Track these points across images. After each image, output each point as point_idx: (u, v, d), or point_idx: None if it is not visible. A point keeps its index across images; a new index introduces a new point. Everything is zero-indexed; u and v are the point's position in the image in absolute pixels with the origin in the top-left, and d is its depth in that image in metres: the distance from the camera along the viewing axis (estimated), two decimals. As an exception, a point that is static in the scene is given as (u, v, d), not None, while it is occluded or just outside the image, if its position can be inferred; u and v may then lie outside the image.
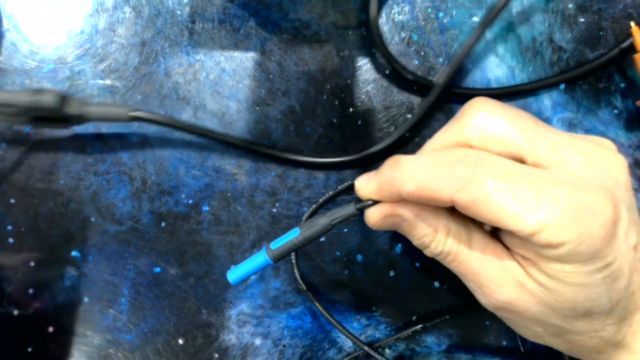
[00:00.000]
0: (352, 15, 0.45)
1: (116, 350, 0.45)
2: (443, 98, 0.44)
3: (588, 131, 0.45)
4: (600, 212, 0.29)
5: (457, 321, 0.46)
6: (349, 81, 0.45)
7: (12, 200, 0.44)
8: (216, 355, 0.45)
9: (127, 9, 0.44)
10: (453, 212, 0.33)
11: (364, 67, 0.45)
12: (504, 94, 0.44)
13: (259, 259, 0.36)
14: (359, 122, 0.45)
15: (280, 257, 0.36)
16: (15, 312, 0.44)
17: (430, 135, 0.44)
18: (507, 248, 0.33)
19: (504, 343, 0.46)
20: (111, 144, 0.44)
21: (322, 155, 0.44)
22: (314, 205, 0.43)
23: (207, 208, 0.45)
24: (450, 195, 0.30)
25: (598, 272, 0.30)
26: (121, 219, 0.44)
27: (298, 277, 0.44)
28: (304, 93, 0.45)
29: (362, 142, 0.44)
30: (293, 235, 0.36)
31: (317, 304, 0.44)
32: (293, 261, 0.44)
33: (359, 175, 0.35)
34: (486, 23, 0.42)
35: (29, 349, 0.44)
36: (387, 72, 0.45)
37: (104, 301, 0.45)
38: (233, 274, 0.37)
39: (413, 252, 0.45)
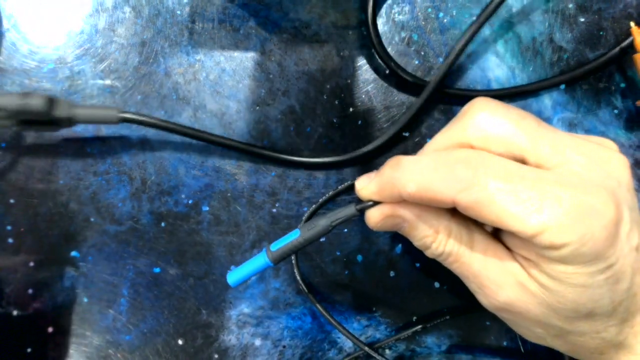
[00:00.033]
0: (352, 15, 0.45)
1: (115, 350, 0.45)
2: (439, 97, 0.44)
3: (588, 131, 0.45)
4: (603, 213, 0.29)
5: (458, 322, 0.46)
6: (349, 81, 0.45)
7: (12, 201, 0.44)
8: (216, 356, 0.45)
9: (127, 9, 0.44)
10: (454, 213, 0.33)
11: (364, 66, 0.45)
12: (504, 95, 0.44)
13: (259, 260, 0.36)
14: (359, 122, 0.45)
15: (281, 259, 0.36)
16: (15, 313, 0.44)
17: (430, 135, 0.44)
18: (509, 249, 0.33)
19: (505, 343, 0.46)
20: (111, 144, 0.44)
21: (321, 156, 0.44)
22: (314, 206, 0.43)
23: (207, 208, 0.45)
24: (451, 196, 0.30)
25: (600, 273, 0.30)
26: (121, 219, 0.44)
27: (298, 278, 0.44)
28: (304, 93, 0.45)
29: (362, 142, 0.44)
30: (293, 237, 0.36)
31: (317, 304, 0.44)
32: (293, 261, 0.44)
33: (359, 175, 0.35)
34: (480, 22, 0.42)
35: (28, 350, 0.44)
36: (386, 72, 0.45)
37: (103, 301, 0.44)
38: (233, 276, 0.37)
39: (413, 253, 0.45)
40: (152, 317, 0.45)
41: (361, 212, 0.35)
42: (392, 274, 0.45)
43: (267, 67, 0.45)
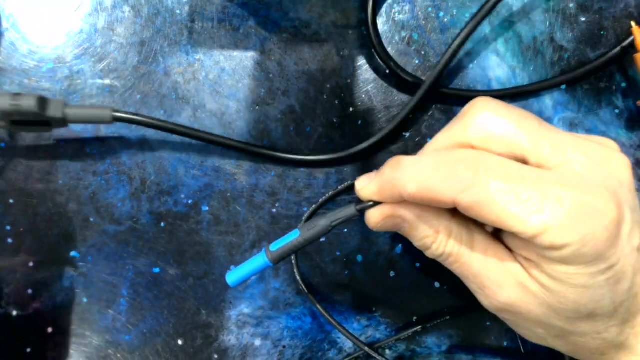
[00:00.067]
0: (352, 15, 0.45)
1: (115, 351, 0.45)
2: (439, 97, 0.44)
3: (589, 131, 0.45)
4: (604, 213, 0.29)
5: (458, 322, 0.46)
6: (349, 80, 0.45)
7: (11, 201, 0.43)
8: (216, 356, 0.45)
9: (127, 9, 0.44)
10: (454, 213, 0.33)
11: (364, 66, 0.45)
12: (505, 95, 0.44)
13: (259, 261, 0.36)
14: (359, 122, 0.45)
15: (280, 259, 0.36)
16: (14, 313, 0.44)
17: (430, 135, 0.44)
18: (509, 249, 0.33)
19: (505, 344, 0.46)
20: (110, 144, 0.44)
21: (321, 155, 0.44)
22: (314, 206, 0.43)
23: (207, 208, 0.44)
24: (452, 197, 0.30)
25: (601, 274, 0.29)
26: (120, 219, 0.44)
27: (298, 278, 0.43)
28: (304, 92, 0.45)
29: (363, 142, 0.44)
30: (293, 237, 0.35)
31: (317, 304, 0.44)
32: (293, 262, 0.44)
33: (358, 175, 0.35)
34: (476, 21, 0.42)
35: (28, 350, 0.44)
36: (387, 72, 0.45)
37: (103, 302, 0.44)
38: (232, 276, 0.37)
39: (413, 253, 0.45)
40: (152, 317, 0.45)
41: (361, 213, 0.35)
42: (392, 274, 0.45)
43: (267, 66, 0.44)
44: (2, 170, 0.43)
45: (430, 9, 0.45)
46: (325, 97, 0.45)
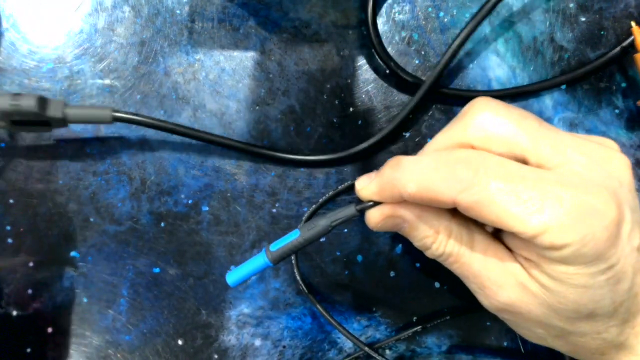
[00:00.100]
0: (352, 15, 0.45)
1: (115, 351, 0.45)
2: (439, 97, 0.44)
3: (589, 131, 0.45)
4: (604, 213, 0.29)
5: (458, 322, 0.46)
6: (349, 81, 0.45)
7: (11, 201, 0.43)
8: (216, 356, 0.45)
9: (127, 9, 0.44)
10: (454, 213, 0.33)
11: (364, 66, 0.45)
12: (505, 95, 0.44)
13: (259, 261, 0.36)
14: (359, 122, 0.45)
15: (280, 259, 0.36)
16: (14, 313, 0.44)
17: (430, 135, 0.44)
18: (509, 249, 0.33)
19: (505, 344, 0.46)
20: (110, 144, 0.44)
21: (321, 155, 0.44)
22: (314, 206, 0.43)
23: (207, 208, 0.44)
24: (452, 197, 0.30)
25: (601, 274, 0.29)
26: (120, 219, 0.44)
27: (298, 278, 0.43)
28: (304, 93, 0.45)
29: (363, 142, 0.44)
30: (293, 237, 0.35)
31: (317, 304, 0.44)
32: (293, 262, 0.44)
33: (358, 175, 0.35)
34: (476, 21, 0.42)
35: (28, 350, 0.44)
36: (387, 72, 0.45)
37: (103, 302, 0.44)
38: (232, 276, 0.37)
39: (413, 253, 0.45)
40: (152, 317, 0.45)
41: (361, 213, 0.35)
42: (392, 274, 0.45)
43: (267, 66, 0.44)
44: (2, 170, 0.43)
45: (430, 9, 0.45)
46: (325, 97, 0.45)
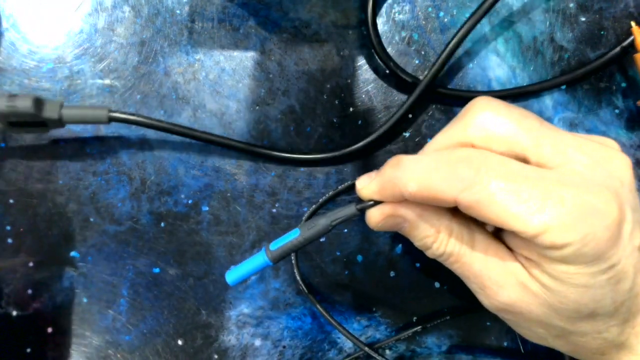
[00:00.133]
0: (352, 15, 0.45)
1: (115, 351, 0.45)
2: (439, 97, 0.44)
3: (589, 131, 0.45)
4: (605, 213, 0.29)
5: (458, 322, 0.46)
6: (349, 81, 0.45)
7: (11, 201, 0.43)
8: (216, 356, 0.45)
9: (127, 8, 0.44)
10: (455, 212, 0.33)
11: (364, 66, 0.45)
12: (506, 96, 0.44)
13: (258, 260, 0.36)
14: (359, 122, 0.45)
15: (280, 258, 0.36)
16: (14, 313, 0.44)
17: (430, 135, 0.44)
18: (510, 249, 0.33)
19: (505, 344, 0.46)
20: (110, 144, 0.44)
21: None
22: (314, 206, 0.43)
23: (207, 208, 0.44)
24: (453, 196, 0.30)
25: (602, 274, 0.29)
26: (120, 219, 0.44)
27: (298, 278, 0.43)
28: (304, 92, 0.45)
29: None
30: (293, 236, 0.35)
31: (317, 304, 0.44)
32: (293, 262, 0.44)
33: (358, 175, 0.35)
34: (473, 22, 0.41)
35: (28, 350, 0.44)
36: (386, 72, 0.45)
37: (103, 302, 0.44)
38: (231, 275, 0.37)
39: (413, 253, 0.45)
40: (152, 318, 0.45)
41: (362, 212, 0.35)
42: (392, 274, 0.45)
43: (267, 66, 0.44)
44: (2, 170, 0.43)
45: (430, 9, 0.45)
46: (325, 97, 0.45)
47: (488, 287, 0.33)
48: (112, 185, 0.44)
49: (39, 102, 0.39)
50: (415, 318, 0.46)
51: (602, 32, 0.44)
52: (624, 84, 0.45)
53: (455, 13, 0.45)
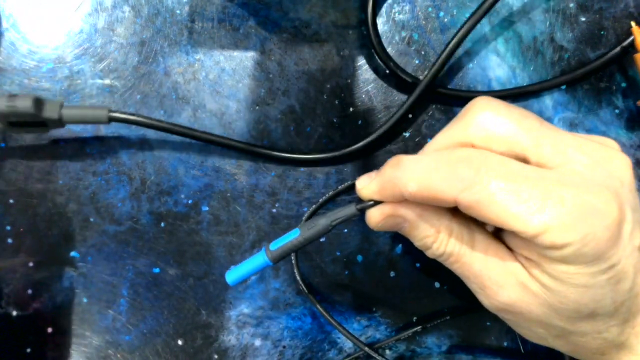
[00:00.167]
0: (352, 14, 0.45)
1: (115, 351, 0.45)
2: (439, 97, 0.44)
3: (589, 131, 0.45)
4: (605, 213, 0.29)
5: (458, 322, 0.46)
6: (349, 80, 0.45)
7: (11, 201, 0.43)
8: (215, 356, 0.45)
9: (126, 8, 0.44)
10: (455, 212, 0.33)
11: (364, 66, 0.45)
12: (506, 96, 0.44)
13: (258, 259, 0.36)
14: (359, 122, 0.45)
15: (280, 258, 0.36)
16: (14, 313, 0.44)
17: (430, 135, 0.44)
18: (510, 249, 0.33)
19: (505, 344, 0.46)
20: (110, 144, 0.44)
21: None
22: (314, 206, 0.43)
23: (207, 208, 0.44)
24: (453, 196, 0.30)
25: (602, 274, 0.29)
26: (120, 219, 0.44)
27: (298, 278, 0.43)
28: (304, 92, 0.45)
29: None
30: (293, 236, 0.35)
31: (317, 304, 0.44)
32: (293, 262, 0.44)
33: (358, 175, 0.35)
34: (473, 22, 0.41)
35: (28, 350, 0.44)
36: (386, 72, 0.45)
37: (103, 302, 0.44)
38: (231, 275, 0.37)
39: (413, 253, 0.45)
40: (152, 318, 0.45)
41: (362, 212, 0.35)
42: (392, 274, 0.45)
43: (267, 66, 0.44)
44: (2, 170, 0.43)
45: (430, 9, 0.45)
46: (325, 97, 0.45)
47: (488, 287, 0.33)
48: (112, 185, 0.44)
49: (38, 102, 0.39)
50: (415, 318, 0.46)
51: (602, 32, 0.44)
52: (624, 84, 0.45)
53: (455, 13, 0.45)
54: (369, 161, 0.45)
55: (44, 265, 0.44)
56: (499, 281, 0.32)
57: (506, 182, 0.29)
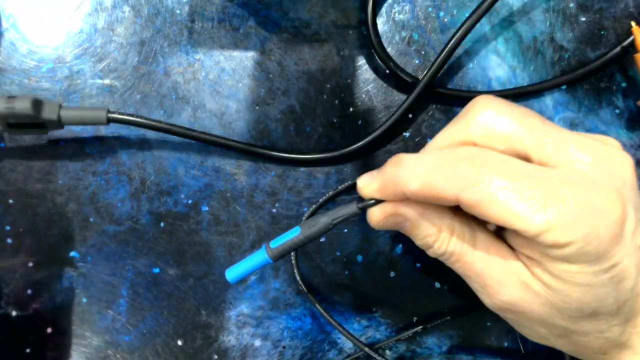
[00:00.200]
0: (352, 14, 0.45)
1: (115, 351, 0.45)
2: (439, 97, 0.44)
3: (589, 131, 0.45)
4: (608, 212, 0.29)
5: (458, 322, 0.46)
6: (349, 80, 0.45)
7: (11, 201, 0.43)
8: (215, 357, 0.45)
9: (126, 8, 0.44)
10: (457, 211, 0.33)
11: (364, 66, 0.45)
12: (507, 96, 0.44)
13: (259, 257, 0.36)
14: (360, 122, 0.45)
15: (280, 256, 0.36)
16: (14, 313, 0.44)
17: (430, 135, 0.44)
18: (512, 248, 0.33)
19: (505, 344, 0.46)
20: (110, 144, 0.44)
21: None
22: (314, 206, 0.43)
23: (207, 208, 0.44)
24: (455, 195, 0.30)
25: (605, 273, 0.29)
26: (120, 219, 0.44)
27: (298, 278, 0.43)
28: (304, 92, 0.45)
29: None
30: (294, 234, 0.35)
31: (317, 305, 0.43)
32: (293, 262, 0.44)
33: (359, 175, 0.35)
34: (473, 22, 0.41)
35: (27, 350, 0.44)
36: (386, 72, 0.45)
37: (102, 302, 0.44)
38: (232, 273, 0.36)
39: (414, 253, 0.45)
40: (152, 318, 0.45)
41: (363, 211, 0.35)
42: (392, 274, 0.45)
43: (267, 66, 0.44)
44: (2, 170, 0.43)
45: (430, 9, 0.45)
46: (325, 97, 0.45)
47: (490, 286, 0.33)
48: (112, 185, 0.44)
49: (37, 104, 0.39)
50: (415, 318, 0.46)
51: (602, 32, 0.45)
52: (624, 84, 0.45)
53: (455, 13, 0.45)
54: (369, 161, 0.45)
55: (43, 266, 0.44)
56: (500, 280, 0.32)
57: (508, 180, 0.29)
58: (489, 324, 0.46)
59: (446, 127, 0.34)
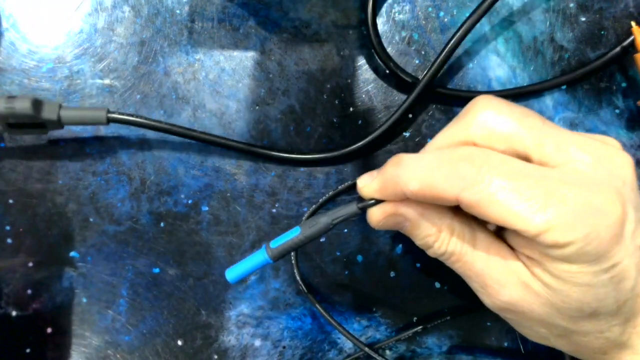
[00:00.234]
0: (353, 14, 0.45)
1: (115, 351, 0.45)
2: (439, 97, 0.44)
3: (589, 131, 0.45)
4: (608, 212, 0.29)
5: (458, 322, 0.46)
6: (349, 80, 0.45)
7: (11, 201, 0.43)
8: (215, 357, 0.45)
9: (126, 8, 0.44)
10: (457, 211, 0.33)
11: (364, 66, 0.45)
12: (507, 96, 0.44)
13: (259, 257, 0.36)
14: (360, 122, 0.45)
15: (280, 256, 0.36)
16: (14, 313, 0.44)
17: (430, 135, 0.44)
18: (512, 248, 0.33)
19: (505, 344, 0.46)
20: (110, 144, 0.44)
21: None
22: (314, 206, 0.43)
23: (207, 208, 0.44)
24: (455, 194, 0.30)
25: (605, 273, 0.29)
26: (120, 219, 0.44)
27: (298, 278, 0.43)
28: (304, 92, 0.45)
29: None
30: (294, 234, 0.35)
31: (317, 305, 0.43)
32: (293, 262, 0.44)
33: (358, 175, 0.35)
34: (472, 22, 0.41)
35: (27, 350, 0.44)
36: (386, 72, 0.45)
37: (102, 302, 0.44)
38: (232, 273, 0.36)
39: (414, 253, 0.45)
40: (152, 318, 0.45)
41: (363, 211, 0.35)
42: (392, 274, 0.45)
43: (267, 66, 0.44)
44: (2, 170, 0.43)
45: (430, 9, 0.45)
46: (325, 97, 0.45)
47: (490, 286, 0.33)
48: (112, 185, 0.44)
49: (37, 104, 0.39)
50: (415, 318, 0.45)
51: (602, 32, 0.45)
52: (624, 84, 0.45)
53: (455, 13, 0.45)
54: (369, 161, 0.45)
55: (43, 266, 0.44)
56: (500, 280, 0.32)
57: (508, 180, 0.29)
58: (489, 324, 0.46)
59: (446, 127, 0.34)
